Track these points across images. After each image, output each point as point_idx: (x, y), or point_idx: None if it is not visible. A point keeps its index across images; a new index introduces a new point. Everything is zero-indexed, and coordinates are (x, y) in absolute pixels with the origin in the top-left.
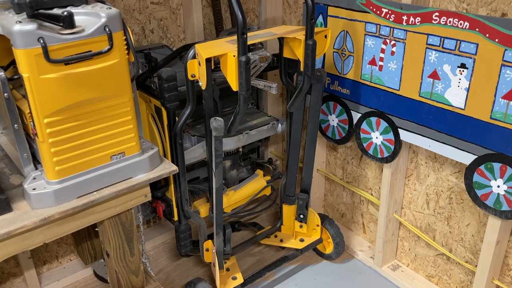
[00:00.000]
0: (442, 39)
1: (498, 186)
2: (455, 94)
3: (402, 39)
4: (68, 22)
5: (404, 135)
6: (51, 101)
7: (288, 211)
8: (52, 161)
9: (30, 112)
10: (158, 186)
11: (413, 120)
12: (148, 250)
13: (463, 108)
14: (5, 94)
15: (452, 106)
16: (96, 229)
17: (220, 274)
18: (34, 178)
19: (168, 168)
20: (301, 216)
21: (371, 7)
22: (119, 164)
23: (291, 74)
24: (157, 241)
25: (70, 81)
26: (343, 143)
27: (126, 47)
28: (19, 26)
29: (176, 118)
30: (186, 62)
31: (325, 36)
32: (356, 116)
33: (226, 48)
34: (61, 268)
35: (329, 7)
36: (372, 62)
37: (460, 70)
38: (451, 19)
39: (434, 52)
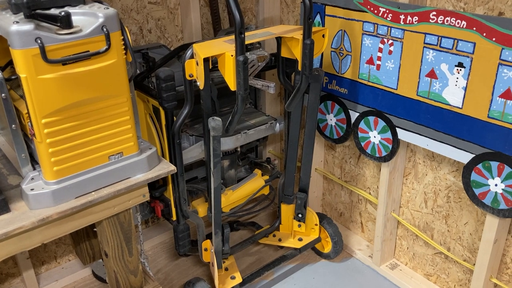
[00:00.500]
0: (440, 38)
1: (496, 185)
2: (452, 93)
3: (399, 38)
4: (65, 22)
5: (402, 134)
6: (48, 101)
7: (287, 210)
8: (50, 161)
9: (28, 113)
10: (156, 186)
11: (411, 119)
12: (146, 250)
13: (460, 107)
14: (3, 95)
15: (450, 105)
16: (95, 229)
17: (218, 273)
18: (32, 179)
19: (166, 168)
20: (300, 215)
21: (368, 7)
22: (117, 164)
23: (289, 73)
24: (156, 241)
25: (67, 81)
26: (341, 142)
27: (123, 47)
28: (16, 26)
29: (174, 118)
30: (184, 62)
31: (323, 36)
32: (354, 115)
33: (224, 47)
34: (60, 268)
35: (326, 6)
36: (370, 62)
37: (457, 69)
38: (448, 18)
39: (431, 51)
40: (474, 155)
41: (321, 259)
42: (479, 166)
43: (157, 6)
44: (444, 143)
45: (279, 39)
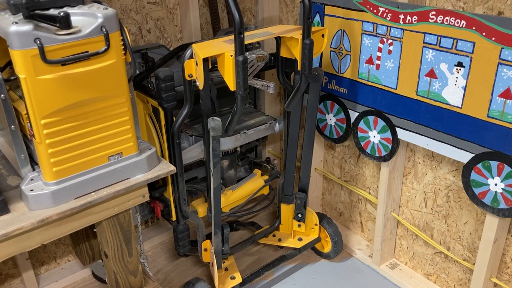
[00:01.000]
0: (439, 37)
1: (496, 184)
2: (452, 92)
3: (399, 38)
4: (64, 22)
5: (401, 134)
6: (48, 102)
7: (286, 210)
8: (49, 162)
9: (27, 113)
10: (156, 186)
11: (410, 118)
12: (146, 250)
13: (460, 106)
14: (2, 95)
15: (449, 104)
16: (94, 229)
17: (218, 273)
18: (32, 179)
19: (166, 168)
20: (299, 215)
21: (368, 6)
22: (116, 165)
23: (289, 73)
24: (156, 241)
25: (67, 81)
26: (340, 142)
27: (123, 47)
28: (15, 27)
29: (174, 118)
30: (183, 62)
31: (322, 35)
32: (353, 115)
33: (223, 47)
34: (59, 269)
35: (326, 6)
36: (369, 61)
37: (457, 69)
38: (447, 18)
39: (431, 50)
40: (473, 155)
41: (321, 259)
42: (479, 165)
43: (156, 6)
44: (444, 142)
45: (278, 39)
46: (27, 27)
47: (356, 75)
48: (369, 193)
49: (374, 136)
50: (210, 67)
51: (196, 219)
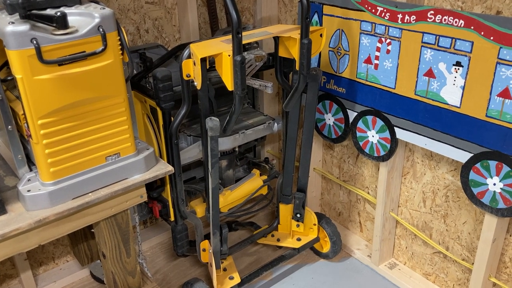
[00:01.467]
0: (437, 37)
1: (494, 184)
2: (450, 92)
3: (397, 37)
4: (61, 22)
5: (400, 134)
6: (45, 102)
7: (285, 210)
8: (46, 162)
9: (24, 114)
10: (154, 187)
11: (409, 118)
12: (145, 251)
13: (458, 106)
14: None
15: (448, 104)
16: (92, 230)
17: (217, 274)
18: (29, 180)
19: (163, 168)
20: (298, 215)
21: (366, 6)
22: (114, 165)
23: (287, 73)
24: (154, 241)
25: (64, 82)
26: (339, 142)
27: (120, 47)
28: (12, 27)
29: (172, 118)
30: (181, 62)
31: (321, 35)
32: (352, 115)
33: (221, 47)
34: (58, 269)
35: (324, 5)
36: (368, 61)
37: (455, 68)
38: (446, 17)
39: (429, 50)
40: (472, 154)
41: (319, 259)
42: (478, 165)
43: (154, 6)
44: (443, 142)
45: (276, 39)
46: (24, 27)
47: (355, 75)
48: (368, 193)
49: (373, 136)
50: (208, 67)
51: (195, 219)
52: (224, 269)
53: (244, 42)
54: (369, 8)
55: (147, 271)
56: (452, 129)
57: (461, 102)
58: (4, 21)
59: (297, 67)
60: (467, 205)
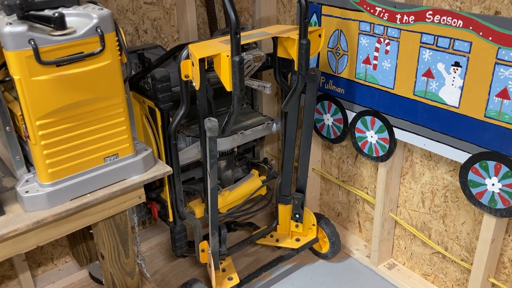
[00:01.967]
0: (436, 37)
1: (493, 184)
2: (449, 92)
3: (396, 37)
4: (59, 23)
5: (399, 134)
6: (43, 103)
7: (284, 210)
8: (44, 163)
9: (22, 115)
10: (152, 187)
11: (407, 119)
12: (143, 251)
13: (457, 106)
14: None
15: (447, 104)
16: (91, 231)
17: (216, 274)
18: (27, 181)
19: (162, 169)
20: (297, 215)
21: (365, 6)
22: (112, 166)
23: (286, 73)
24: (153, 242)
25: (62, 82)
26: (338, 142)
27: (118, 48)
28: (10, 27)
29: (170, 118)
30: (180, 63)
31: (319, 35)
32: (351, 115)
33: (219, 48)
34: (56, 270)
35: (323, 6)
36: (366, 61)
37: (454, 69)
38: (444, 18)
39: (428, 50)
40: (471, 155)
41: (318, 259)
42: (476, 165)
43: (153, 6)
44: (441, 142)
45: (275, 39)
46: (21, 28)
47: (353, 75)
48: (367, 193)
49: (372, 136)
50: (206, 68)
51: (193, 220)
52: (223, 270)
53: (242, 42)
54: (368, 8)
55: (146, 271)
56: (451, 130)
57: (459, 103)
58: (1, 22)
59: (295, 68)
60: (466, 206)
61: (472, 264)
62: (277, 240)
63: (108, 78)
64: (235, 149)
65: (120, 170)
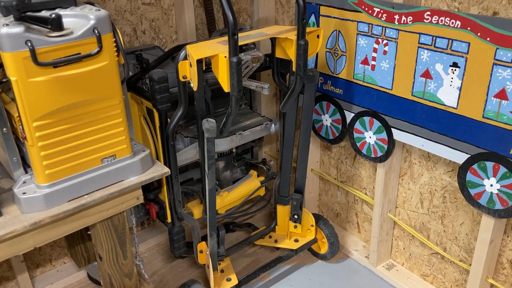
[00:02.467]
0: (434, 38)
1: (491, 185)
2: (447, 93)
3: (394, 38)
4: (56, 24)
5: (397, 135)
6: (40, 104)
7: (283, 211)
8: (42, 164)
9: (19, 116)
10: (151, 188)
11: (406, 119)
12: (142, 252)
13: (455, 107)
14: None
15: (445, 105)
16: (89, 232)
17: (214, 275)
18: (24, 182)
19: (160, 170)
20: (296, 216)
21: (363, 7)
22: (110, 167)
23: (284, 74)
24: (151, 242)
25: (59, 84)
26: (336, 142)
27: (115, 49)
28: (6, 29)
29: (168, 119)
30: (177, 63)
31: (317, 36)
32: (349, 116)
33: (217, 49)
34: (55, 271)
35: (321, 6)
36: (365, 62)
37: (452, 69)
38: (442, 18)
39: (426, 51)
40: (469, 155)
41: (317, 260)
42: (475, 166)
43: (151, 7)
44: (440, 143)
45: (273, 40)
46: (18, 29)
47: (352, 76)
48: (366, 193)
49: (370, 137)
50: (204, 68)
51: (192, 221)
52: (222, 271)
53: (240, 43)
54: (366, 9)
55: (144, 273)
56: (449, 130)
57: (458, 103)
58: None
59: (294, 68)
60: (465, 206)
61: (470, 264)
62: (275, 241)
63: (105, 79)
64: (234, 150)
65: (117, 171)
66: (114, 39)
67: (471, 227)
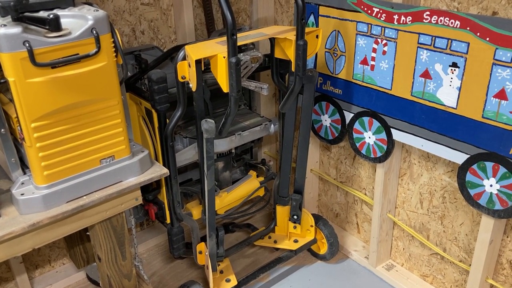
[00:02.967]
0: (434, 38)
1: (491, 185)
2: (447, 93)
3: (393, 38)
4: (54, 25)
5: (396, 135)
6: (38, 105)
7: (282, 212)
8: (40, 165)
9: (17, 117)
10: (149, 189)
11: (405, 119)
12: (141, 253)
13: (455, 107)
14: None
15: (444, 105)
16: (88, 233)
17: (213, 276)
18: (23, 183)
19: (159, 171)
20: (295, 217)
21: (362, 7)
22: (108, 168)
23: (283, 74)
24: (151, 243)
25: (57, 84)
26: (336, 143)
27: (114, 49)
28: (4, 29)
29: (167, 120)
30: (176, 64)
31: (317, 36)
32: (348, 116)
33: (216, 49)
34: (54, 272)
35: (320, 6)
36: (364, 62)
37: (451, 69)
38: (442, 18)
39: (425, 51)
40: (469, 156)
41: (317, 260)
42: (474, 166)
43: (150, 7)
44: (439, 143)
45: (272, 40)
46: (16, 29)
47: (351, 76)
48: (365, 194)
49: (369, 137)
50: (203, 69)
51: (191, 221)
52: (221, 272)
53: (239, 43)
54: (365, 9)
55: (143, 273)
56: (449, 130)
57: (457, 103)
58: None
59: (293, 69)
60: (464, 206)
61: (470, 265)
62: (275, 242)
63: (103, 79)
64: (233, 150)
65: (116, 172)
66: (112, 40)
67: (471, 227)
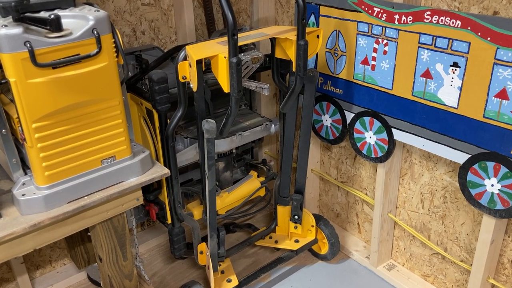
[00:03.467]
0: (434, 38)
1: (492, 185)
2: (448, 93)
3: (394, 38)
4: (55, 25)
5: (397, 135)
6: (39, 105)
7: (283, 212)
8: (41, 166)
9: (18, 117)
10: (150, 189)
11: (406, 119)
12: (142, 253)
13: (456, 107)
14: None
15: (445, 105)
16: (89, 233)
17: (214, 276)
18: (24, 184)
19: (160, 171)
20: (296, 217)
21: (363, 7)
22: (110, 168)
23: (284, 74)
24: (152, 243)
25: (58, 85)
26: (337, 143)
27: (115, 49)
28: (5, 30)
29: (168, 120)
30: (177, 64)
31: (317, 36)
32: (349, 116)
33: (216, 49)
34: (55, 272)
35: (321, 6)
36: (365, 62)
37: (452, 69)
38: (443, 18)
39: (426, 51)
40: (470, 156)
41: (318, 260)
42: (475, 166)
43: (151, 8)
44: (440, 143)
45: (273, 40)
46: (17, 30)
47: (352, 76)
48: (366, 194)
49: (370, 137)
50: (204, 69)
51: (192, 221)
52: (222, 272)
53: (240, 43)
54: (366, 9)
55: (144, 274)
56: (450, 130)
57: (458, 103)
58: None
59: (294, 69)
60: (465, 206)
61: (471, 265)
62: (276, 242)
63: (104, 80)
64: (234, 151)
65: (117, 172)
66: (113, 40)
67: (472, 227)
